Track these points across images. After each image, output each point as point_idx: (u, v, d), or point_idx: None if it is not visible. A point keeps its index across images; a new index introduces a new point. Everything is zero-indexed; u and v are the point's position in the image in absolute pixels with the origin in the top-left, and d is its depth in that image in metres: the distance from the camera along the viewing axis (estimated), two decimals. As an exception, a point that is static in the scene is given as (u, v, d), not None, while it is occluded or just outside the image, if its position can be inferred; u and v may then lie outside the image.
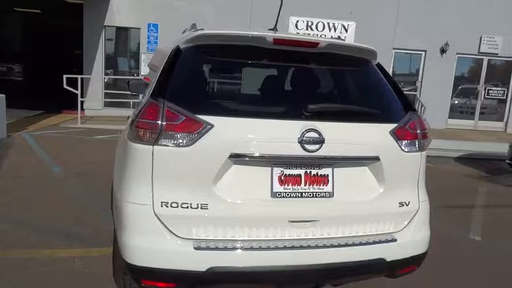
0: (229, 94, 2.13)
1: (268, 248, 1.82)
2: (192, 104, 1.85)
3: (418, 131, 2.07)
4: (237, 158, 1.81)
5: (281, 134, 1.83)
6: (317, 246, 1.87)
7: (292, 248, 1.84)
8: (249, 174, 1.86)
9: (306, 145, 1.82)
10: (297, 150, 1.83)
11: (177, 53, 2.06)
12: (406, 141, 2.03)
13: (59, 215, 3.81)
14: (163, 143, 1.80)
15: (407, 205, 2.07)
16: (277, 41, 1.99)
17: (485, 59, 11.95)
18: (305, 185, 1.90)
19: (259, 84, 2.14)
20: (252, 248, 1.81)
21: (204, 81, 2.07)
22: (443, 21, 11.07)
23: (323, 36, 11.03)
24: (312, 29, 11.12)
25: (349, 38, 11.04)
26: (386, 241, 1.99)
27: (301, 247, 1.85)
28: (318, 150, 1.84)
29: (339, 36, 10.75)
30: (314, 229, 1.90)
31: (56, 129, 8.60)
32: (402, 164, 2.04)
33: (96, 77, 10.75)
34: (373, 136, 1.97)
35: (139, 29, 10.81)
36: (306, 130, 1.82)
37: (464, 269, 3.23)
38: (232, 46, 2.04)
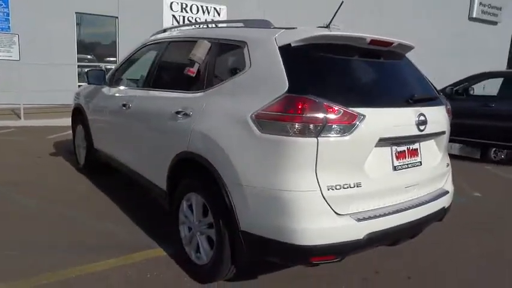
0: (352, 87, 2.40)
1: (399, 210, 2.29)
2: (337, 98, 2.10)
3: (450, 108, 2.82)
4: (380, 142, 2.18)
5: (406, 118, 2.31)
6: (420, 204, 2.43)
7: (410, 207, 2.36)
8: (379, 154, 2.25)
9: (420, 126, 2.34)
10: (414, 131, 2.34)
11: (291, 49, 2.23)
12: (450, 117, 2.75)
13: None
14: (327, 135, 2.03)
15: (448, 165, 2.82)
16: (372, 41, 2.40)
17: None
18: (408, 157, 2.42)
19: (362, 78, 2.50)
20: (390, 213, 2.25)
21: (331, 75, 2.30)
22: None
23: (198, 18, 11.18)
24: (186, 11, 11.11)
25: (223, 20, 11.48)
26: (445, 193, 2.70)
27: (413, 206, 2.38)
28: (425, 129, 2.38)
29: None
30: (416, 191, 2.45)
31: None
32: (448, 134, 2.75)
33: None
34: (442, 115, 2.62)
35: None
36: (419, 114, 2.34)
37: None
38: (336, 45, 2.34)
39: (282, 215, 2.05)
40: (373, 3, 12.91)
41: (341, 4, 2.74)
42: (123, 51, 10.39)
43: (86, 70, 4.25)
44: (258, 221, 2.16)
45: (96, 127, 4.32)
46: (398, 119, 2.31)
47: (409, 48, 2.74)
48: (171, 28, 3.79)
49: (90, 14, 9.92)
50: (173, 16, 10.84)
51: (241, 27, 2.78)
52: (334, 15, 2.70)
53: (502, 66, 18.43)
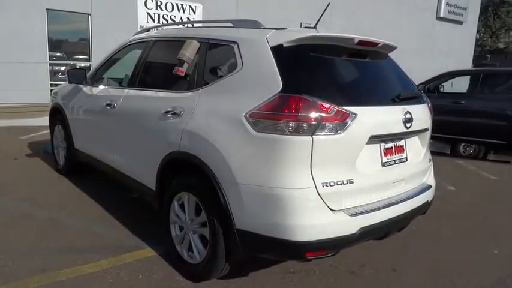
0: (343, 86, 2.46)
1: (388, 205, 2.38)
2: (330, 97, 2.17)
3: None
4: (371, 139, 2.27)
5: (394, 117, 2.41)
6: (407, 198, 2.54)
7: (398, 202, 2.46)
8: (369, 151, 2.34)
9: (406, 123, 2.44)
10: (401, 128, 2.44)
11: (283, 50, 2.28)
12: (432, 115, 2.88)
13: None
14: (321, 133, 2.09)
15: (430, 160, 2.95)
16: (359, 42, 2.48)
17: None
18: (395, 154, 2.52)
19: (351, 77, 2.57)
20: (380, 207, 2.34)
21: (322, 75, 2.36)
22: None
23: (173, 16, 11.07)
24: (161, 9, 10.97)
25: (198, 19, 11.42)
26: (428, 187, 2.83)
27: (401, 200, 2.49)
28: (410, 127, 2.48)
29: (187, 19, 10.97)
30: (403, 186, 2.56)
31: None
32: (430, 131, 2.88)
33: None
34: (425, 113, 2.74)
35: None
36: (405, 112, 2.44)
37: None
38: (326, 46, 2.41)
39: (278, 212, 2.10)
40: (344, 3, 13.14)
41: (327, 6, 2.82)
42: (97, 49, 10.16)
43: (67, 69, 4.14)
44: (253, 219, 2.20)
45: (77, 127, 4.23)
46: (387, 117, 2.41)
47: (392, 48, 2.84)
48: (155, 27, 3.76)
49: (62, 11, 9.63)
50: (148, 14, 10.68)
51: (231, 27, 2.80)
52: (320, 17, 2.77)
53: (468, 65, 19.19)
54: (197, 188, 2.52)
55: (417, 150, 2.75)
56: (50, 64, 9.89)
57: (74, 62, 10.11)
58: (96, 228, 3.37)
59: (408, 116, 2.48)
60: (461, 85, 8.22)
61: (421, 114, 2.69)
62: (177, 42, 2.96)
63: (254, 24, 2.66)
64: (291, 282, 2.73)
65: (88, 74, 4.07)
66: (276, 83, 2.19)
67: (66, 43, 10.77)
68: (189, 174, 2.62)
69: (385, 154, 2.45)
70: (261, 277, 2.76)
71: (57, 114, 4.68)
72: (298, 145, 2.08)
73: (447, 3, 17.85)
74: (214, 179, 2.33)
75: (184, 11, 11.32)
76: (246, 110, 2.23)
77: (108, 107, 3.50)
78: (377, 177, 2.39)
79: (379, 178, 2.40)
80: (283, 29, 2.45)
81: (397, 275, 2.90)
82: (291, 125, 2.08)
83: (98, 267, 2.77)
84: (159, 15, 10.86)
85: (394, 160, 2.51)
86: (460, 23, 19.00)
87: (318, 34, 2.32)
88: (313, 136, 2.07)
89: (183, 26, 3.91)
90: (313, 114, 2.08)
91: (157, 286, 2.60)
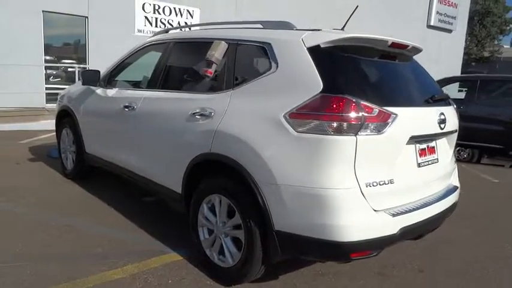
0: (379, 87, 2.45)
1: (425, 205, 2.39)
2: (370, 97, 2.17)
3: None
4: (410, 140, 2.27)
5: (430, 117, 2.42)
6: (440, 199, 2.55)
7: (433, 202, 2.47)
8: (407, 151, 2.35)
9: (441, 124, 2.46)
10: (436, 129, 2.46)
11: (321, 50, 2.28)
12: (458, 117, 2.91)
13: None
14: (364, 133, 2.09)
15: (455, 162, 2.97)
16: (392, 44, 2.49)
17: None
18: (428, 155, 2.53)
19: (386, 78, 2.57)
20: (418, 207, 2.34)
21: (359, 76, 2.36)
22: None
23: (171, 21, 11.04)
24: (159, 13, 10.92)
25: (196, 23, 11.40)
26: (455, 188, 2.85)
27: (435, 201, 2.50)
28: (444, 128, 2.50)
29: (187, 23, 10.95)
30: (436, 186, 2.58)
31: None
32: (457, 133, 2.90)
33: None
34: (455, 115, 2.76)
35: None
36: (440, 113, 2.45)
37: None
38: (360, 47, 2.42)
39: (323, 212, 2.08)
40: (339, 10, 13.28)
41: (356, 8, 2.84)
42: (93, 52, 10.04)
43: (80, 71, 4.04)
44: (294, 220, 2.17)
45: (89, 130, 4.14)
46: (424, 118, 2.42)
47: (418, 51, 2.86)
48: (174, 28, 3.72)
49: (59, 13, 9.49)
50: (145, 18, 10.61)
51: (260, 28, 2.79)
52: (348, 19, 2.79)
53: (457, 72, 19.56)
54: (230, 189, 2.48)
55: (446, 151, 2.77)
56: (45, 67, 9.72)
57: (69, 65, 9.95)
58: (115, 234, 3.29)
59: (442, 117, 2.50)
60: (450, 91, 8.39)
61: (452, 116, 2.71)
62: (202, 44, 2.94)
63: (286, 26, 2.65)
64: (323, 285, 2.70)
65: (101, 76, 4.00)
66: (316, 84, 2.18)
67: (62, 46, 10.61)
68: (221, 176, 2.58)
69: (420, 155, 2.46)
70: (291, 279, 2.72)
71: (65, 118, 4.58)
72: (343, 145, 2.07)
73: (437, 12, 18.23)
74: (251, 180, 2.30)
75: (181, 15, 11.29)
76: (284, 110, 2.21)
77: (126, 110, 3.44)
78: (414, 177, 2.40)
79: (416, 178, 2.41)
80: (318, 30, 2.45)
81: (424, 275, 2.91)
82: (334, 125, 2.07)
83: (125, 273, 2.70)
84: (156, 19, 10.80)
85: (428, 161, 2.52)
86: (450, 31, 19.40)
87: (355, 35, 2.32)
88: (357, 136, 2.07)
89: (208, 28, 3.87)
90: (357, 114, 2.07)
91: (189, 291, 2.55)
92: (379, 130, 2.13)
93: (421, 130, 2.38)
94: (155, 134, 3.14)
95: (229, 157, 2.43)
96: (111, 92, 3.80)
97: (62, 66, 10.48)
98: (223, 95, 2.64)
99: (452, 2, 18.85)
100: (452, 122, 2.72)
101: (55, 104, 5.10)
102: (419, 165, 2.43)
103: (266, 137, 2.27)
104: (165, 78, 3.24)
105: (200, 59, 2.85)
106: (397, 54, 2.67)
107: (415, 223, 2.31)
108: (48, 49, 9.76)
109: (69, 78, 9.97)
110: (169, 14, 11.06)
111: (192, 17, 11.42)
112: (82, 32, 10.02)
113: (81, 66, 9.61)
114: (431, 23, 18.19)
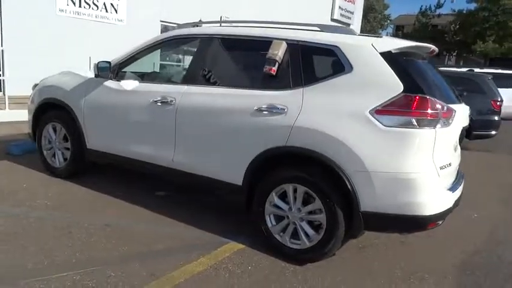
0: (436, 87, 2.84)
1: (457, 185, 2.97)
2: (435, 96, 2.66)
3: None
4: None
5: (465, 112, 3.03)
6: (461, 181, 3.15)
7: (459, 183, 3.04)
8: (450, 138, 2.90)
9: (467, 119, 3.09)
10: (467, 122, 3.07)
11: (392, 55, 2.69)
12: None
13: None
14: (440, 126, 2.58)
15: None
16: (431, 51, 3.03)
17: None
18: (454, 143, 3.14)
19: (431, 79, 3.03)
20: (456, 186, 2.92)
21: (422, 78, 2.79)
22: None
23: (96, 1, 10.21)
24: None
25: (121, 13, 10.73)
26: (463, 175, 3.51)
27: (460, 182, 3.08)
28: (467, 122, 3.14)
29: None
30: (457, 170, 3.19)
31: None
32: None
33: None
34: (466, 111, 3.39)
35: None
36: (466, 109, 3.07)
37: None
38: (412, 53, 2.90)
39: (408, 193, 2.53)
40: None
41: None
42: (8, 34, 8.80)
43: (96, 62, 3.71)
44: (382, 201, 2.57)
45: (96, 125, 3.87)
46: (463, 113, 3.02)
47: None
48: (208, 22, 3.69)
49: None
50: (68, -3, 9.61)
51: (318, 31, 3.03)
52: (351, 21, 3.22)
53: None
54: (310, 178, 2.76)
55: (457, 142, 3.43)
56: None
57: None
58: (160, 229, 3.27)
59: (468, 112, 3.14)
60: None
61: (467, 112, 3.34)
62: (258, 42, 3.09)
63: (349, 31, 2.97)
64: (368, 253, 3.19)
65: (111, 68, 3.77)
66: (396, 85, 2.58)
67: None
68: (297, 166, 2.83)
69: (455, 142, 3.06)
70: (343, 253, 3.06)
71: (51, 111, 4.19)
72: (426, 136, 2.53)
73: (339, 7, 20.03)
74: (339, 168, 2.62)
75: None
76: (369, 107, 2.58)
77: (159, 104, 3.38)
78: (455, 161, 2.98)
79: (455, 162, 3.00)
80: (380, 36, 2.85)
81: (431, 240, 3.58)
82: (419, 120, 2.51)
83: (204, 265, 2.79)
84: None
85: (456, 147, 3.13)
86: (349, 24, 21.46)
87: (417, 43, 2.81)
88: (436, 129, 2.54)
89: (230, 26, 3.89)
90: (436, 111, 2.55)
91: (272, 273, 2.76)
92: (447, 123, 2.64)
93: (464, 123, 2.98)
94: (208, 129, 3.18)
95: (313, 150, 2.70)
96: (130, 85, 3.62)
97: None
98: (293, 91, 2.86)
99: (351, -2, 20.89)
100: (467, 117, 3.34)
101: None
102: (455, 149, 3.03)
103: (353, 131, 2.60)
104: (213, 74, 3.26)
105: (256, 57, 3.01)
106: (422, 57, 3.20)
107: (458, 198, 2.91)
108: None
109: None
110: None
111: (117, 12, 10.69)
112: (-7, 9, 8.68)
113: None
114: (335, 17, 19.90)
